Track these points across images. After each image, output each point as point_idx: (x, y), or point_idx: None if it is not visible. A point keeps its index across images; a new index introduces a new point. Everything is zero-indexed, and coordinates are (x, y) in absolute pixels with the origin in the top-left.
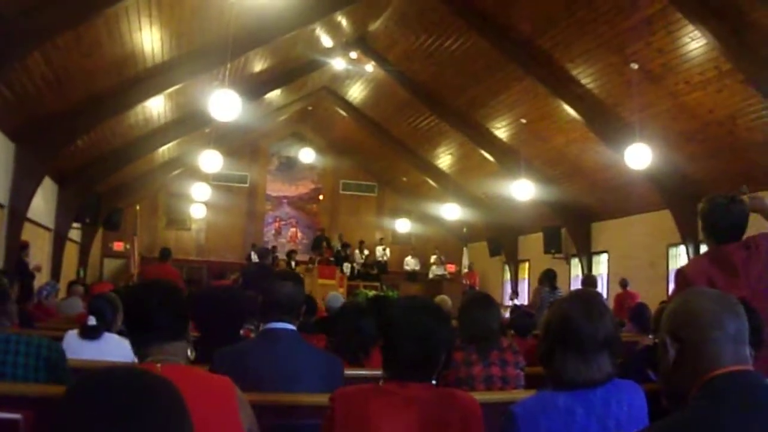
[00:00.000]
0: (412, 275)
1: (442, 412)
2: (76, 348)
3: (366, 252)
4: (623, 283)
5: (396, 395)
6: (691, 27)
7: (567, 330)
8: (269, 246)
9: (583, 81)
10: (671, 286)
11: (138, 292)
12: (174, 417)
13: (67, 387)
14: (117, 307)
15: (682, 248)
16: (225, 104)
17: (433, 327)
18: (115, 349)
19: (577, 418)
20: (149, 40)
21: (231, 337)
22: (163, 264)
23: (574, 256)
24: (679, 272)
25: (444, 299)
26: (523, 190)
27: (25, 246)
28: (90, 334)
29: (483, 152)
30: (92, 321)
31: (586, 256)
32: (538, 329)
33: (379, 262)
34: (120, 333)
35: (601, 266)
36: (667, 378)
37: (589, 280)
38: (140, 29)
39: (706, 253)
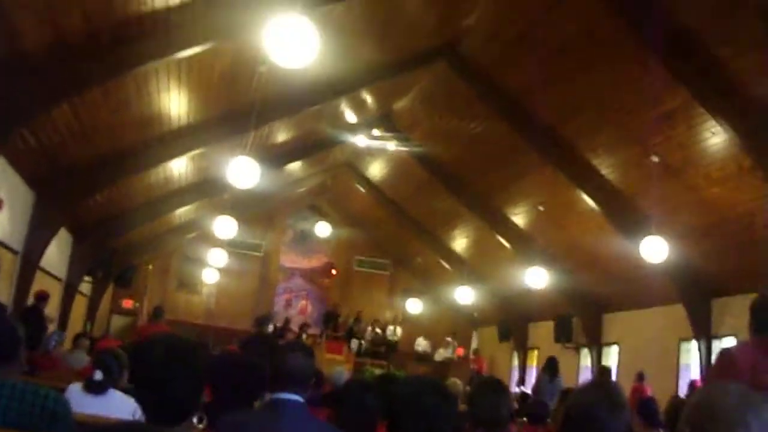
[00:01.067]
0: (422, 356)
1: None
2: (79, 402)
3: (378, 330)
4: (640, 377)
5: None
6: (713, 122)
7: (589, 420)
8: (280, 317)
9: (603, 171)
10: (681, 382)
11: (158, 354)
12: None
13: None
14: (123, 364)
15: (693, 343)
16: (244, 172)
17: (439, 406)
18: (119, 406)
19: None
20: (176, 101)
21: (246, 406)
22: (157, 324)
23: (584, 346)
24: (725, 352)
25: (455, 382)
26: (536, 277)
27: (45, 296)
28: (95, 388)
29: (499, 237)
30: (98, 376)
31: (597, 347)
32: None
33: (389, 341)
34: (124, 391)
35: (610, 358)
36: None
37: (604, 372)
38: (168, 90)
39: (751, 341)
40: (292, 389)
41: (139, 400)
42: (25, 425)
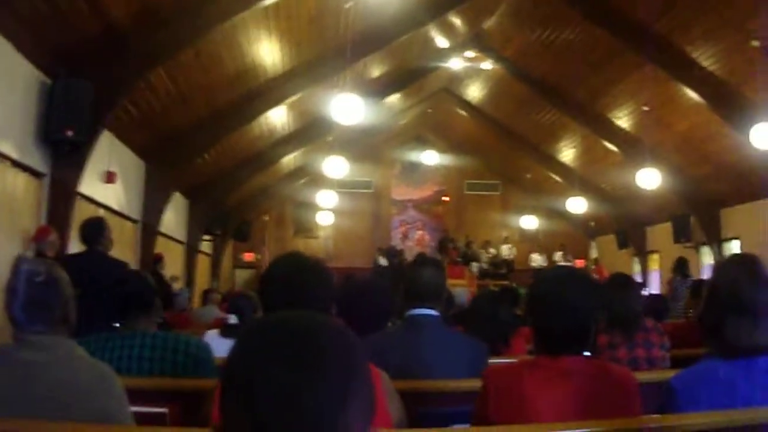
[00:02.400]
0: (538, 272)
1: (598, 385)
2: (217, 346)
3: (492, 251)
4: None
5: (549, 369)
6: None
7: (738, 295)
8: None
9: (704, 63)
10: None
11: (293, 263)
12: (359, 369)
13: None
14: (255, 305)
15: None
16: (347, 108)
17: (583, 296)
18: None
19: (739, 390)
20: (268, 51)
21: (376, 329)
22: None
23: (704, 244)
24: None
25: None
26: (648, 179)
27: (159, 258)
28: (231, 332)
29: (606, 143)
30: (233, 319)
31: (717, 243)
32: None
33: (506, 260)
34: None
35: (732, 253)
36: None
37: None
38: (259, 41)
39: None
40: (426, 304)
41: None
42: (171, 372)
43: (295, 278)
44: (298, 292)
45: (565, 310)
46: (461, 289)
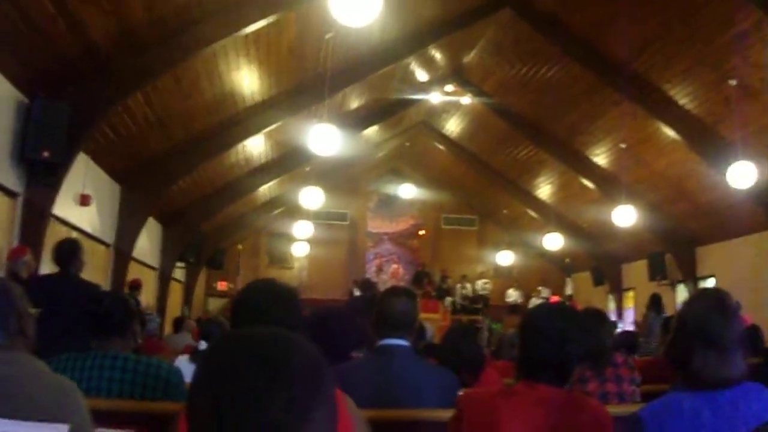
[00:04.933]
0: (515, 308)
1: (572, 417)
2: (187, 371)
3: (468, 286)
4: (738, 307)
5: (525, 396)
6: None
7: (705, 327)
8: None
9: (681, 101)
10: None
11: (264, 289)
12: (323, 383)
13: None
14: (226, 332)
15: None
16: (325, 139)
17: (569, 329)
18: None
19: (704, 421)
20: (247, 79)
21: (340, 358)
22: None
23: (680, 282)
24: None
25: None
26: (624, 216)
27: (138, 285)
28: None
29: (583, 180)
30: (203, 345)
31: (692, 281)
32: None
33: (482, 295)
34: None
35: None
36: None
37: None
38: (238, 68)
39: None
40: (397, 334)
41: None
42: (140, 394)
43: (265, 304)
44: (266, 318)
45: (550, 339)
46: (427, 324)
